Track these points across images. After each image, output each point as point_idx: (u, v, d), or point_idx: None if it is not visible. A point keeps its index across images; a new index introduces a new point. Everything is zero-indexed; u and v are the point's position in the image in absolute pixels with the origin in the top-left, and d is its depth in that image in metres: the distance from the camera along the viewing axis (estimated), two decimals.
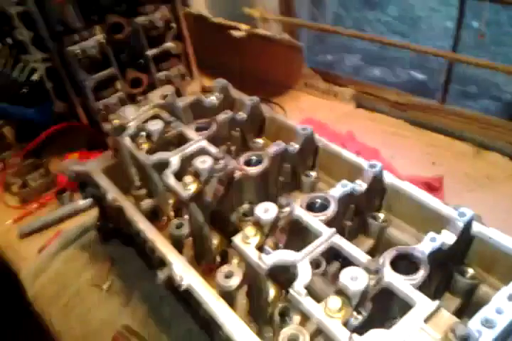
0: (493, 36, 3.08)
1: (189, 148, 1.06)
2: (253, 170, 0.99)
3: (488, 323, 0.63)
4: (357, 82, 2.36)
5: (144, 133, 1.14)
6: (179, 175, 0.98)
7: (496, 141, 1.76)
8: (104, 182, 1.14)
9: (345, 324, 0.62)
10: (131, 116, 1.20)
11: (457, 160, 1.72)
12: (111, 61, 1.69)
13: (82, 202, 1.56)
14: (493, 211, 1.36)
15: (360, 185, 0.94)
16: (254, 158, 1.03)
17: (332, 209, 0.85)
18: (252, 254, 0.75)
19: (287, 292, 0.85)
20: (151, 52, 1.80)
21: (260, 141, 1.29)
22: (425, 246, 0.76)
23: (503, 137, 1.76)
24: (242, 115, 1.22)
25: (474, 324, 0.63)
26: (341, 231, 0.80)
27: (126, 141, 1.11)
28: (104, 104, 1.69)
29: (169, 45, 1.85)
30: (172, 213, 1.13)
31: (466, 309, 0.84)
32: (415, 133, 1.90)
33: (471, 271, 0.84)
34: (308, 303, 0.65)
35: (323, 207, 0.87)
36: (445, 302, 0.69)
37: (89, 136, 1.78)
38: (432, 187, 1.51)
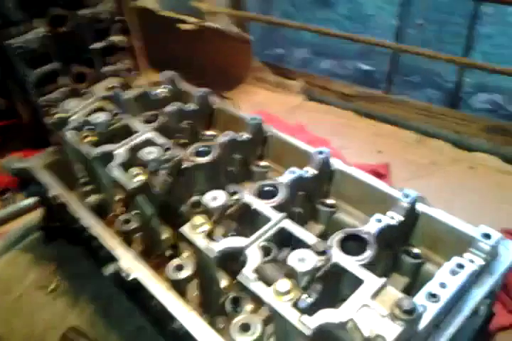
0: (435, 33, 3.20)
1: (135, 140, 1.02)
2: (202, 160, 0.97)
3: (432, 298, 0.65)
4: (306, 74, 2.39)
5: (88, 127, 1.10)
6: (127, 168, 0.94)
7: (439, 129, 1.83)
8: (47, 179, 1.09)
9: (296, 305, 0.62)
10: (74, 109, 1.15)
11: (402, 148, 1.78)
12: (54, 55, 1.62)
13: (25, 202, 1.49)
14: (439, 194, 1.43)
15: (309, 172, 0.95)
16: (203, 148, 1.01)
17: (281, 196, 0.85)
18: (201, 242, 0.74)
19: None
20: (96, 45, 1.73)
21: (211, 132, 1.27)
22: (371, 226, 0.78)
23: (446, 124, 1.84)
24: (190, 106, 1.20)
25: (419, 299, 0.65)
26: (292, 218, 0.80)
27: (69, 134, 1.06)
28: (47, 100, 1.62)
29: (115, 38, 1.80)
30: (121, 209, 1.10)
31: (414, 288, 0.87)
32: (362, 123, 1.95)
33: (416, 251, 0.87)
34: (257, 287, 0.65)
35: (273, 194, 0.86)
36: (393, 282, 0.71)
37: (33, 134, 1.70)
38: (379, 174, 1.55)
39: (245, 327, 0.72)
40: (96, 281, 1.18)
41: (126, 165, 0.96)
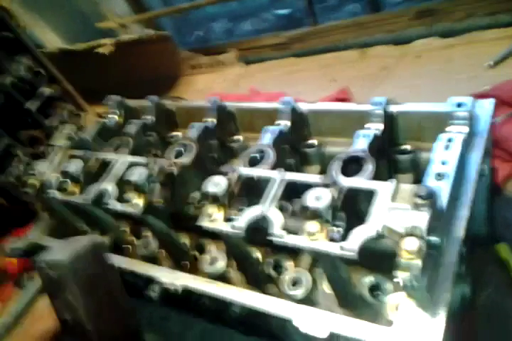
0: None
1: (117, 170, 1.05)
2: (185, 159, 1.00)
3: (440, 177, 0.69)
4: (235, 43, 2.39)
5: (67, 179, 1.11)
6: (122, 198, 0.97)
7: (374, 36, 1.85)
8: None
9: (332, 239, 0.66)
10: (46, 169, 1.16)
11: (351, 67, 1.81)
12: None
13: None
14: (401, 90, 1.46)
15: (284, 124, 0.98)
16: (180, 148, 1.03)
17: (271, 156, 0.88)
18: (223, 227, 0.78)
19: (270, 247, 0.90)
20: (31, 105, 1.72)
21: (177, 133, 1.29)
22: (360, 143, 0.81)
23: (379, 29, 1.86)
24: (149, 118, 1.22)
25: (430, 182, 0.69)
26: (289, 170, 0.83)
27: (55, 194, 1.09)
28: (13, 176, 1.62)
29: (46, 90, 1.79)
30: (131, 238, 1.13)
31: (421, 180, 0.91)
32: (306, 62, 1.97)
33: (406, 147, 0.91)
34: (291, 239, 0.69)
35: (263, 159, 0.89)
36: (400, 182, 0.74)
37: (14, 213, 1.70)
38: (342, 99, 1.58)
39: (295, 282, 0.79)
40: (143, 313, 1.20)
41: (121, 195, 0.99)
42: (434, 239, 0.62)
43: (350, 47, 1.89)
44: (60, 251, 0.82)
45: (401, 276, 0.58)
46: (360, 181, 0.72)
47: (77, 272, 0.79)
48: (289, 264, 0.90)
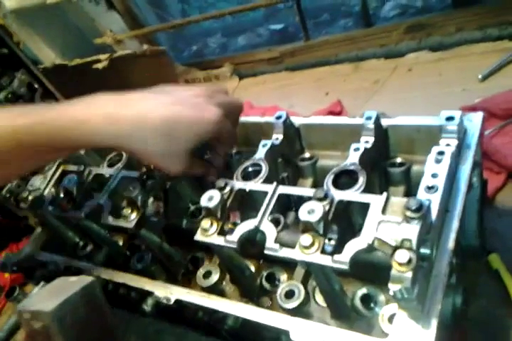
0: None
1: (112, 185, 1.05)
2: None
3: (431, 190, 0.70)
4: (229, 57, 2.43)
5: (62, 194, 1.12)
6: (117, 213, 0.98)
7: (366, 50, 1.89)
8: (51, 257, 1.12)
9: (324, 252, 0.67)
10: (42, 184, 1.17)
11: (344, 81, 1.84)
12: None
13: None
14: (392, 104, 1.49)
15: (277, 138, 0.99)
16: None
17: (265, 169, 0.89)
18: (218, 241, 0.78)
19: (264, 260, 0.91)
20: None
21: None
22: (353, 157, 0.83)
23: (370, 43, 1.89)
24: None
25: (421, 195, 0.70)
26: (283, 184, 0.84)
27: (50, 209, 1.09)
28: (7, 191, 1.62)
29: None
30: (127, 252, 1.14)
31: (412, 192, 0.92)
32: (299, 76, 2.00)
33: (398, 160, 0.92)
34: (285, 253, 0.70)
35: (258, 172, 0.91)
36: (392, 195, 0.75)
37: (9, 227, 1.70)
38: (336, 112, 1.60)
39: (289, 294, 0.79)
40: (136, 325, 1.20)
41: (116, 209, 0.99)
42: (424, 251, 0.63)
43: (343, 61, 1.93)
44: (46, 299, 0.74)
45: (392, 288, 0.59)
46: (352, 194, 0.73)
47: (64, 321, 0.71)
48: (283, 276, 0.91)
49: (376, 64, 1.84)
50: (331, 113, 1.60)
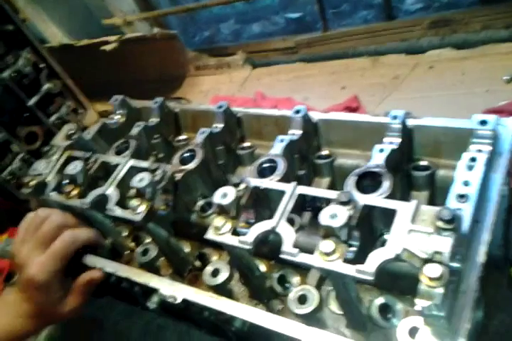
0: None
1: (119, 174, 1.01)
2: (191, 166, 0.96)
3: (462, 199, 0.66)
4: (243, 45, 2.36)
5: (67, 181, 1.08)
6: (124, 203, 0.94)
7: (386, 44, 1.82)
8: None
9: (346, 260, 0.63)
10: (45, 170, 1.12)
11: (362, 76, 1.78)
12: None
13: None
14: (413, 103, 1.43)
15: (295, 134, 0.94)
16: (186, 154, 1.00)
17: (282, 166, 0.85)
18: (231, 240, 0.74)
19: (276, 260, 0.87)
20: (32, 101, 1.69)
21: (183, 137, 1.25)
22: (377, 158, 0.78)
23: (391, 37, 1.83)
24: (154, 120, 1.18)
25: (452, 204, 0.65)
26: (299, 182, 0.80)
27: (53, 196, 1.05)
28: (9, 173, 1.58)
29: (47, 86, 1.75)
30: (131, 245, 1.11)
31: (436, 198, 0.88)
32: (315, 69, 1.94)
33: (423, 163, 0.87)
34: (304, 258, 0.65)
35: (274, 169, 0.86)
36: (415, 200, 0.71)
37: (9, 211, 1.66)
38: (352, 108, 1.55)
39: (302, 299, 0.74)
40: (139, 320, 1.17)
41: (122, 200, 0.95)
42: (455, 265, 0.58)
43: (361, 55, 1.86)
44: None
45: (421, 304, 0.55)
46: (379, 200, 0.68)
47: None
48: (295, 279, 0.87)
49: (396, 59, 1.78)
50: (348, 108, 1.55)
